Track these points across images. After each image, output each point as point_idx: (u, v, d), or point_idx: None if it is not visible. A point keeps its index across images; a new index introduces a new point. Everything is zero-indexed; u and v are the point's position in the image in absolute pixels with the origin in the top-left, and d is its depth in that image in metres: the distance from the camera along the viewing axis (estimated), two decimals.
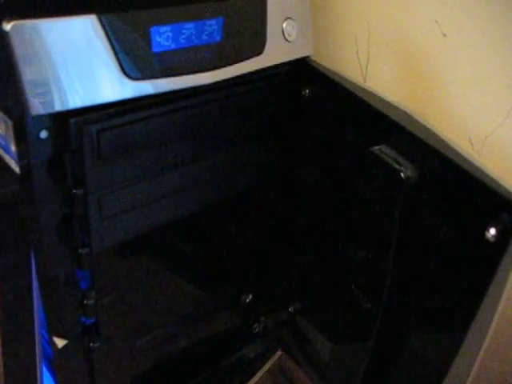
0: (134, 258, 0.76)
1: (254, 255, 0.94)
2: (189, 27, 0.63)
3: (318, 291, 0.92)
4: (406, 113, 0.69)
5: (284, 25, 0.73)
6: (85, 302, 0.71)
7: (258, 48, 0.71)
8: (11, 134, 0.58)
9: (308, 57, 0.79)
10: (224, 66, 0.68)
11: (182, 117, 0.69)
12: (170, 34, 0.62)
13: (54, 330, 0.72)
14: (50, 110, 0.55)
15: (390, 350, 0.77)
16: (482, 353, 0.61)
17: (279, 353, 1.06)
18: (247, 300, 0.97)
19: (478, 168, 0.59)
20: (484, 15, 0.76)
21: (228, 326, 1.00)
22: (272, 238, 0.93)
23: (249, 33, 0.69)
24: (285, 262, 0.95)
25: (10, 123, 0.57)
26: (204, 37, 0.65)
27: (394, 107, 0.70)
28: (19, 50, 0.52)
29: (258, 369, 1.04)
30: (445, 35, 0.81)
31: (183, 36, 0.63)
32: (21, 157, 0.59)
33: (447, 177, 0.61)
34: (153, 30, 0.60)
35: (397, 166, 0.65)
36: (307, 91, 0.78)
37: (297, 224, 0.91)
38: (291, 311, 0.97)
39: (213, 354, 1.00)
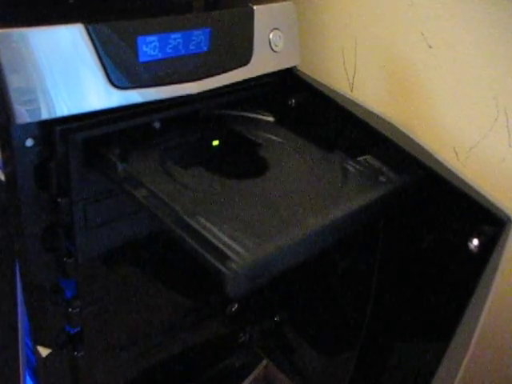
0: (119, 267, 0.76)
1: None
2: (176, 37, 0.63)
3: (303, 301, 0.92)
4: (391, 124, 0.70)
5: (271, 35, 0.74)
6: (69, 310, 0.70)
7: (244, 58, 0.71)
8: None
9: (295, 67, 0.79)
10: (211, 76, 0.68)
11: (167, 126, 0.69)
12: (157, 43, 0.62)
13: (38, 338, 0.71)
14: (37, 119, 0.55)
15: (375, 360, 0.77)
16: (464, 362, 0.62)
17: (265, 362, 1.05)
18: (233, 309, 0.97)
19: (461, 179, 0.59)
20: (469, 28, 0.77)
21: (214, 336, 0.99)
22: None
23: (236, 43, 0.70)
24: None
25: None
26: (191, 47, 0.65)
27: (380, 118, 0.71)
28: (6, 58, 0.52)
29: (244, 378, 1.03)
30: (430, 47, 0.82)
31: (170, 46, 0.63)
32: (6, 165, 0.59)
33: (431, 188, 0.62)
34: (140, 39, 0.60)
35: (381, 177, 0.65)
36: (293, 101, 0.78)
37: None
38: (277, 321, 0.96)
39: (199, 364, 1.00)
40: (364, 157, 0.68)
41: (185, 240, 0.49)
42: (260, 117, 0.77)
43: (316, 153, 0.69)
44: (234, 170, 0.64)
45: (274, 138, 0.72)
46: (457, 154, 0.82)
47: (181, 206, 0.52)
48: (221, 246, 0.46)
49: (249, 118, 0.77)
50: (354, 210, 0.55)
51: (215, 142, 0.73)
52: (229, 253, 0.45)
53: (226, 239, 0.47)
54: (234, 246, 0.46)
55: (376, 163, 0.67)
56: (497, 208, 0.55)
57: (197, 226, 0.49)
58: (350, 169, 0.65)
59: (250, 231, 0.49)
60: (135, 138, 0.65)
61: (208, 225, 0.49)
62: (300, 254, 0.50)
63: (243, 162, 0.72)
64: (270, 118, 0.77)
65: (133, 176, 0.58)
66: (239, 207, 0.54)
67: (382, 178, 0.64)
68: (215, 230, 0.48)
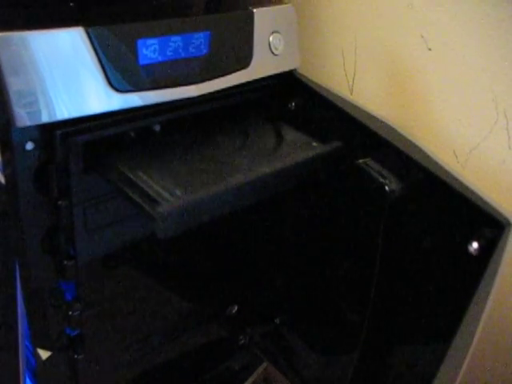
0: (119, 269, 0.76)
1: (239, 267, 0.94)
2: (176, 40, 0.63)
3: (303, 303, 0.92)
4: (390, 127, 0.70)
5: (271, 38, 0.74)
6: (69, 313, 0.70)
7: (244, 61, 0.71)
8: None
9: (294, 70, 0.79)
10: (211, 79, 0.68)
11: (168, 129, 0.69)
12: (157, 46, 0.62)
13: (38, 341, 0.71)
14: (37, 122, 0.55)
15: (375, 362, 0.77)
16: (465, 365, 0.62)
17: (265, 364, 1.05)
18: (233, 311, 0.97)
19: (461, 182, 0.59)
20: (469, 30, 0.77)
21: (214, 338, 0.99)
22: (258, 249, 0.94)
23: (235, 46, 0.70)
24: (270, 273, 0.95)
25: None
26: (191, 50, 0.65)
27: (379, 121, 0.71)
28: (6, 61, 0.52)
29: (244, 380, 1.03)
30: (430, 49, 0.82)
31: (170, 49, 0.63)
32: (6, 168, 0.59)
33: (431, 191, 0.62)
34: (140, 42, 0.60)
35: (381, 180, 0.65)
36: (293, 104, 0.78)
37: (282, 237, 0.91)
38: (277, 323, 0.96)
39: (199, 366, 1.00)
40: (364, 159, 0.68)
41: (123, 190, 0.58)
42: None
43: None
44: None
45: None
46: (457, 157, 0.82)
47: (128, 167, 0.60)
48: (152, 194, 0.54)
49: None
50: (277, 170, 0.63)
51: None
52: (159, 199, 0.53)
53: (158, 189, 0.55)
54: (164, 194, 0.54)
55: (375, 166, 0.67)
56: (496, 211, 0.55)
57: (134, 179, 0.58)
58: (288, 138, 0.72)
59: (180, 184, 0.57)
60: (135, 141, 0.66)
61: (145, 177, 0.58)
62: (223, 205, 0.58)
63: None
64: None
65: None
66: (180, 166, 0.62)
67: (314, 144, 0.70)
68: (151, 181, 0.57)
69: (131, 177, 0.58)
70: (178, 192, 0.56)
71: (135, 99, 0.62)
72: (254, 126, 0.74)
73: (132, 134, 0.67)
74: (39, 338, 0.71)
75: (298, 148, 0.69)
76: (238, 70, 0.71)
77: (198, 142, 0.68)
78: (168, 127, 0.69)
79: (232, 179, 0.59)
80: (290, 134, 0.73)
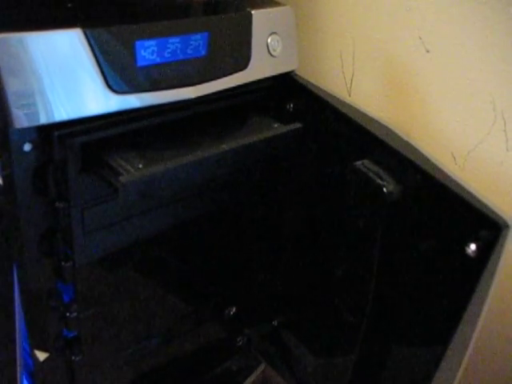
0: (117, 271, 0.76)
1: (237, 268, 0.94)
2: (174, 41, 0.63)
3: (301, 304, 0.92)
4: (388, 128, 0.70)
5: (269, 40, 0.74)
6: (67, 315, 0.70)
7: (242, 63, 0.71)
8: None
9: (293, 71, 0.79)
10: (209, 81, 0.68)
11: (166, 130, 0.69)
12: (155, 48, 0.62)
13: (35, 342, 0.71)
14: (35, 123, 0.55)
15: (373, 363, 0.77)
16: (462, 367, 0.62)
17: (263, 366, 1.05)
18: (231, 313, 0.97)
19: (459, 184, 0.59)
20: (467, 32, 0.77)
21: (212, 339, 0.99)
22: (255, 250, 0.94)
23: (234, 48, 0.70)
24: (268, 274, 0.95)
25: None
26: (189, 51, 0.65)
27: (377, 122, 0.71)
28: (4, 62, 0.52)
29: (242, 382, 1.03)
30: (428, 51, 0.82)
31: (168, 50, 0.63)
32: (4, 169, 0.59)
33: (429, 192, 0.62)
34: (138, 44, 0.60)
35: (379, 181, 0.65)
36: (291, 106, 0.78)
37: (280, 238, 0.91)
38: (275, 324, 0.97)
39: (197, 368, 1.00)
40: (361, 161, 0.68)
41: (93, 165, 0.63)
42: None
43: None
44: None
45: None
46: (455, 159, 0.82)
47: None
48: (118, 168, 0.60)
49: None
50: (236, 147, 0.67)
51: None
52: (121, 170, 0.60)
53: (123, 163, 0.61)
54: (128, 167, 0.60)
55: (373, 167, 0.67)
56: (494, 213, 0.55)
57: (106, 158, 0.62)
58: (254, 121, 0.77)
59: (145, 158, 0.63)
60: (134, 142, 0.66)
61: (118, 158, 0.62)
62: (181, 178, 0.64)
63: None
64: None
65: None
66: (152, 150, 0.66)
67: (275, 125, 0.74)
68: (120, 159, 0.62)
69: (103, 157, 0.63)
70: (141, 165, 0.61)
71: (133, 101, 0.62)
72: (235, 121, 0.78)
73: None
74: (37, 340, 0.71)
75: (261, 129, 0.73)
76: (236, 71, 0.71)
77: (184, 135, 0.72)
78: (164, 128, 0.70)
79: (191, 155, 0.63)
80: (257, 119, 0.78)
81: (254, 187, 0.87)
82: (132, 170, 0.60)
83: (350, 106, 0.73)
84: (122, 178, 0.57)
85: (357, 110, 0.72)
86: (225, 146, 0.66)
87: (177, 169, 0.62)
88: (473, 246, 0.56)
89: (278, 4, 0.76)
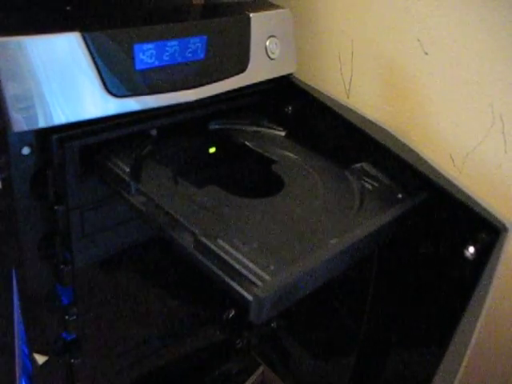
0: (115, 274, 0.76)
1: None
2: (172, 45, 0.63)
3: (300, 306, 0.92)
4: (387, 131, 0.70)
5: (267, 43, 0.74)
6: (66, 317, 0.70)
7: (241, 66, 0.72)
8: None
9: (291, 74, 0.80)
10: (207, 84, 0.68)
11: (165, 133, 0.69)
12: (154, 51, 0.62)
13: (34, 345, 0.71)
14: (34, 127, 0.55)
15: (371, 366, 0.77)
16: (461, 368, 0.62)
17: (262, 368, 1.05)
18: (230, 315, 0.97)
19: (457, 187, 0.59)
20: (465, 35, 0.77)
21: (211, 342, 0.99)
22: None
23: (232, 50, 0.70)
24: None
25: None
26: (188, 54, 0.65)
27: (376, 125, 0.71)
28: (3, 65, 0.52)
29: None
30: (426, 54, 0.82)
31: (167, 53, 0.63)
32: (2, 172, 0.59)
33: (427, 195, 0.62)
34: (136, 47, 0.60)
35: (377, 184, 0.65)
36: (290, 108, 0.78)
37: None
38: (274, 326, 0.96)
39: (196, 370, 1.00)
40: (359, 164, 0.68)
41: (206, 265, 0.48)
42: (272, 131, 0.77)
43: (331, 169, 0.68)
44: (249, 188, 0.64)
45: (287, 153, 0.71)
46: (453, 161, 0.82)
47: (199, 228, 0.50)
48: (244, 272, 0.45)
49: (260, 132, 0.77)
50: (374, 230, 0.53)
51: (211, 149, 0.73)
52: (253, 279, 0.44)
53: (249, 264, 0.46)
54: (258, 271, 0.45)
55: (372, 170, 0.67)
56: (493, 216, 0.55)
57: (218, 251, 0.48)
58: (367, 186, 0.64)
59: (272, 254, 0.48)
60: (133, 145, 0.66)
61: (229, 248, 0.48)
62: (323, 276, 0.49)
63: (258, 179, 0.72)
64: (282, 133, 0.77)
65: (147, 197, 0.56)
66: (258, 228, 0.53)
67: (399, 196, 0.63)
68: (237, 254, 0.47)
69: (213, 247, 0.49)
70: (273, 266, 0.46)
71: (132, 104, 0.62)
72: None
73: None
74: (36, 343, 0.71)
75: (382, 200, 0.61)
76: (234, 74, 0.71)
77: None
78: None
79: (328, 247, 0.49)
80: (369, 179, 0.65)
81: None
82: (267, 278, 0.45)
83: (348, 109, 0.73)
84: (257, 291, 0.42)
85: (355, 113, 0.72)
86: (368, 228, 0.53)
87: (320, 266, 0.48)
88: (471, 249, 0.56)
89: (276, 7, 0.76)
